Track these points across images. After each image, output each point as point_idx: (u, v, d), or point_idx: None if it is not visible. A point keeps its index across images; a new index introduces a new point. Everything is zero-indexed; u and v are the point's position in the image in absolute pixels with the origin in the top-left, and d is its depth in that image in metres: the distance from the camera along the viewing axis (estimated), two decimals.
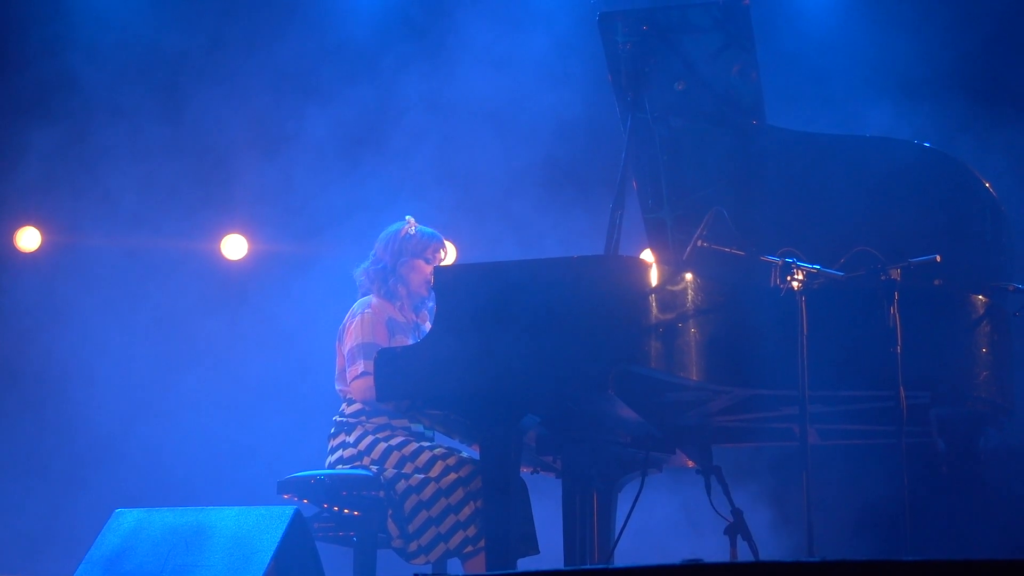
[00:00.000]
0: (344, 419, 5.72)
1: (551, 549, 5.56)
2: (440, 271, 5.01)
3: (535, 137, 7.93)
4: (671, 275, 4.81)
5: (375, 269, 5.88)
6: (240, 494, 7.23)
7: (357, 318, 5.74)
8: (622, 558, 5.54)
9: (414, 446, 5.57)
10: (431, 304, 5.61)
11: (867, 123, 7.40)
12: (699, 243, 4.94)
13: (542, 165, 7.99)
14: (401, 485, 5.50)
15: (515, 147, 7.93)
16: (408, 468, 5.53)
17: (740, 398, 5.06)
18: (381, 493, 5.49)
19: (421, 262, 5.84)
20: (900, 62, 7.57)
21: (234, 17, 8.16)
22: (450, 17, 7.99)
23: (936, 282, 5.11)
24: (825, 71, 7.73)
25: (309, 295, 7.85)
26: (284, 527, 5.01)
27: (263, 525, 5.03)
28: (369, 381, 5.41)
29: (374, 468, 5.56)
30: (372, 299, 5.82)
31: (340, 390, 5.78)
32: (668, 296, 4.75)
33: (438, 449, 5.56)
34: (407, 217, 5.93)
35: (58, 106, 8.03)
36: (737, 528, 5.22)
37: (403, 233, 5.88)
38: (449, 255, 7.68)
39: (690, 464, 5.67)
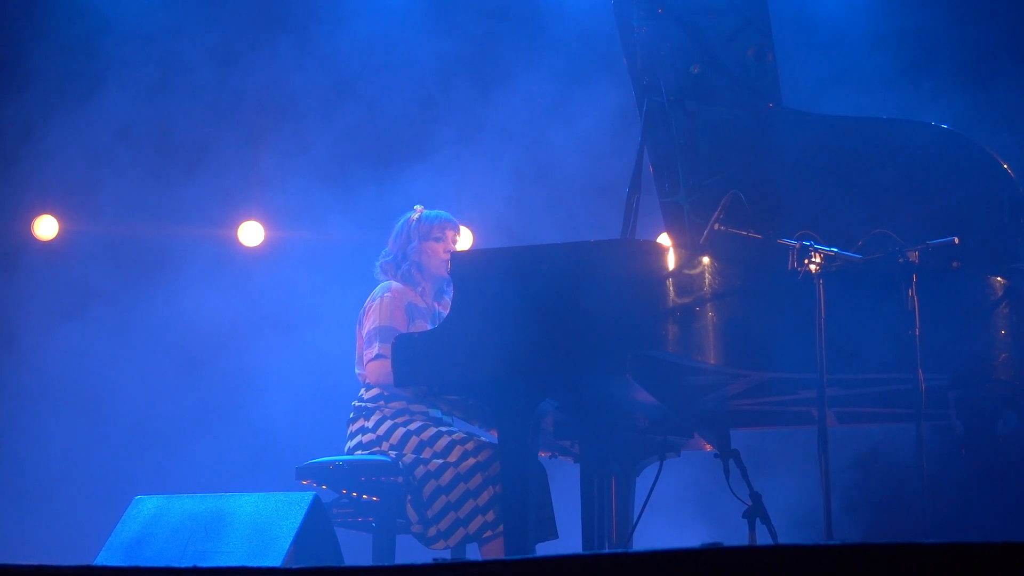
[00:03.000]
0: (363, 404, 5.73)
1: (569, 534, 5.56)
2: (457, 256, 5.01)
3: (552, 126, 7.93)
4: (688, 259, 4.80)
5: (387, 261, 5.91)
6: (259, 480, 7.25)
7: (376, 301, 5.75)
8: (640, 542, 5.54)
9: (432, 431, 5.58)
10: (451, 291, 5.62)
11: (885, 105, 7.37)
12: (716, 227, 4.92)
13: (562, 151, 7.99)
14: (420, 470, 5.51)
15: (533, 137, 7.93)
16: (427, 453, 5.53)
17: (758, 381, 5.06)
18: (400, 478, 5.50)
19: (432, 243, 5.85)
20: (920, 42, 7.53)
21: (255, 6, 8.16)
22: (478, 9, 8.01)
23: (954, 264, 5.08)
24: (842, 51, 7.70)
25: (326, 282, 7.86)
26: (303, 513, 5.02)
27: (282, 511, 5.04)
28: (385, 364, 5.42)
29: (392, 453, 5.56)
30: (393, 283, 5.83)
31: (360, 374, 5.79)
32: (685, 280, 4.74)
33: (456, 434, 5.57)
34: (415, 206, 5.95)
35: (76, 95, 8.04)
36: (756, 512, 5.22)
37: (411, 221, 5.91)
38: (466, 240, 7.71)
39: (708, 448, 5.67)
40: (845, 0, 7.83)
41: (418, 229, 5.89)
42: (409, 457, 5.53)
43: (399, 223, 5.96)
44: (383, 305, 5.73)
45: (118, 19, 8.03)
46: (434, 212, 5.95)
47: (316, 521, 5.10)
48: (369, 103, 8.05)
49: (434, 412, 5.68)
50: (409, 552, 5.67)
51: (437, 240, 5.87)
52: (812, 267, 4.72)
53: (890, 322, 4.78)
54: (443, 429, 5.60)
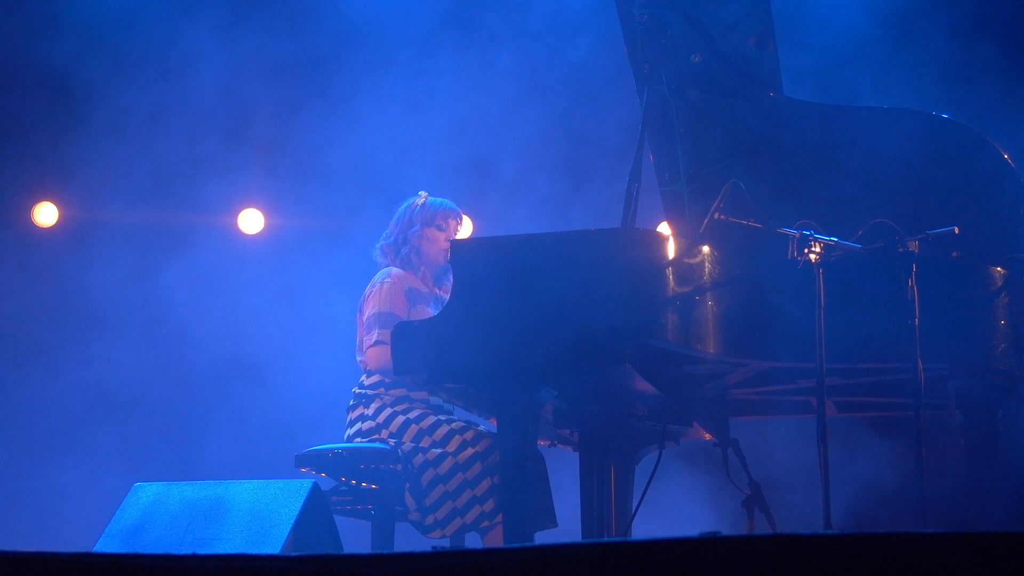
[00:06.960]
0: (363, 390, 5.73)
1: (569, 522, 5.57)
2: (457, 244, 5.00)
3: (554, 114, 7.92)
4: (688, 248, 4.80)
5: (387, 243, 5.90)
6: (258, 468, 7.25)
7: (377, 287, 5.75)
8: (640, 531, 5.54)
9: (432, 419, 5.58)
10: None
11: (884, 95, 7.36)
12: (716, 216, 4.92)
13: (563, 141, 7.98)
14: (418, 459, 5.51)
15: (536, 124, 7.91)
16: (425, 442, 5.53)
17: (757, 371, 5.06)
18: (399, 466, 5.50)
19: (433, 230, 5.85)
20: (919, 32, 7.51)
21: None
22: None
23: (954, 254, 5.09)
24: (841, 41, 7.68)
25: (326, 269, 7.86)
26: (302, 501, 5.02)
27: (281, 499, 5.04)
28: (384, 350, 5.42)
29: (392, 441, 5.56)
30: (393, 269, 5.83)
31: (360, 361, 5.79)
32: (685, 269, 4.74)
33: (455, 423, 5.57)
34: (420, 192, 5.95)
35: (72, 79, 8.03)
36: (755, 501, 5.22)
37: (414, 205, 5.90)
38: (467, 228, 7.71)
39: (707, 437, 5.67)
40: None
41: (422, 214, 5.88)
42: (408, 445, 5.53)
43: (402, 207, 5.95)
44: (383, 291, 5.72)
45: (118, 6, 8.00)
46: (439, 199, 5.94)
47: (315, 509, 5.10)
48: (377, 83, 8.03)
49: (435, 399, 5.68)
50: (408, 540, 5.68)
51: (440, 228, 5.86)
52: (812, 256, 4.71)
53: (890, 312, 4.77)
54: (443, 418, 5.60)
